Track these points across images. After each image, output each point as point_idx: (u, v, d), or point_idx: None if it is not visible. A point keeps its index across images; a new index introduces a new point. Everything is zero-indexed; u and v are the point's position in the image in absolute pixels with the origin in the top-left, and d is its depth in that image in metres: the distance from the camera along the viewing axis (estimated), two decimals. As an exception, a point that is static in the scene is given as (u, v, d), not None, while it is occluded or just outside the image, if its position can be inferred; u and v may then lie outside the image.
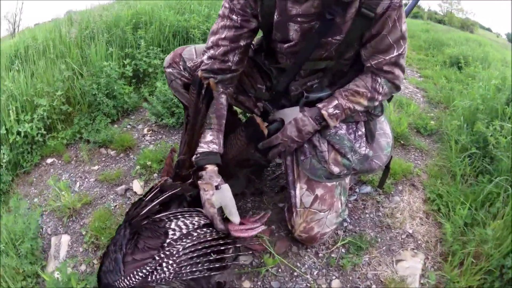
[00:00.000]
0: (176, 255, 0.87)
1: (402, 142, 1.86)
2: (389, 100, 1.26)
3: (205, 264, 0.89)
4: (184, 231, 0.93)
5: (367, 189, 1.49)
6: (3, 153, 1.76)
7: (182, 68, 1.27)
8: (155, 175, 1.53)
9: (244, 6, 1.02)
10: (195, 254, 0.89)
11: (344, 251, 1.25)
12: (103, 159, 1.72)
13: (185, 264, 0.88)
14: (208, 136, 1.08)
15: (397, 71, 1.04)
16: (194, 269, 0.87)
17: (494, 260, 1.09)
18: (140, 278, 0.85)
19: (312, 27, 0.99)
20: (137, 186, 1.50)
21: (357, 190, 1.49)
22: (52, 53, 2.26)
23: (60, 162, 1.78)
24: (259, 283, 1.15)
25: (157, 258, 0.88)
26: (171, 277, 0.85)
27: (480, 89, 1.95)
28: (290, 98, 1.19)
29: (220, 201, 0.97)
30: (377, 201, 1.44)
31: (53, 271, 1.33)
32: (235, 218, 0.97)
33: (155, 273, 0.86)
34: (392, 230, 1.33)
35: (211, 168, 1.04)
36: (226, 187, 0.99)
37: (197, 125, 1.09)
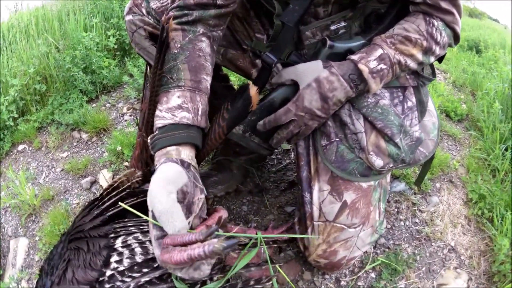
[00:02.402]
0: None
1: None
2: (440, 61, 0.79)
3: None
4: (139, 257, 0.55)
5: (401, 186, 1.09)
6: None
7: (145, 12, 0.83)
8: (126, 163, 1.19)
9: None
10: None
11: (374, 276, 0.88)
12: (75, 144, 1.39)
13: None
14: (174, 98, 0.62)
15: (457, 14, 0.67)
16: None
17: None
18: None
19: None
20: (103, 179, 1.16)
21: (388, 187, 1.09)
22: (34, 29, 1.96)
23: (30, 149, 1.47)
24: None
25: None
26: None
27: (510, 73, 1.59)
28: (304, 51, 0.77)
29: (150, 202, 0.53)
30: (412, 203, 1.06)
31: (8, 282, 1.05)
32: (166, 225, 0.52)
33: None
34: (432, 243, 0.97)
35: (181, 154, 0.59)
36: (163, 169, 0.55)
37: (152, 93, 0.66)
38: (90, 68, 1.63)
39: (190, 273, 0.50)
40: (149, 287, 0.53)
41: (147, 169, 0.75)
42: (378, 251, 0.95)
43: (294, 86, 0.70)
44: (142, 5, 0.83)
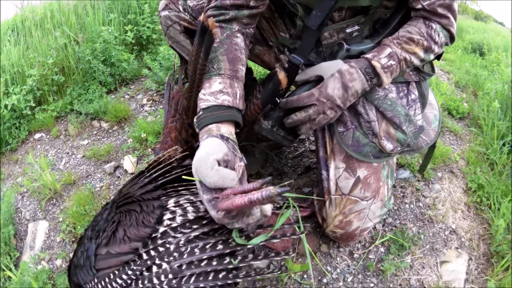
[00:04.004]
0: (175, 254, 0.53)
1: None
2: (438, 58, 0.87)
3: (220, 275, 0.53)
4: (191, 214, 0.58)
5: (406, 174, 1.18)
6: None
7: (181, 9, 0.92)
8: (150, 150, 1.20)
9: None
10: (205, 256, 0.53)
11: (383, 251, 0.96)
12: (95, 132, 1.39)
13: (188, 273, 0.53)
14: (216, 84, 0.70)
15: (452, 17, 0.77)
16: (200, 285, 0.51)
17: None
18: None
19: None
20: (129, 163, 1.16)
21: (394, 175, 1.15)
22: (49, 22, 1.97)
23: (48, 137, 1.47)
24: None
25: (143, 254, 0.54)
26: None
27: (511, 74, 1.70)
28: (322, 50, 0.84)
29: (198, 175, 0.57)
30: (416, 189, 1.15)
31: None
32: (228, 183, 0.56)
33: (141, 285, 0.52)
34: (435, 225, 1.05)
35: (220, 133, 0.64)
36: (207, 143, 0.60)
37: (195, 82, 0.73)
38: (109, 61, 1.65)
39: (245, 221, 0.55)
40: (198, 241, 0.56)
41: (187, 147, 0.78)
42: (386, 229, 1.03)
43: (317, 82, 0.76)
44: (179, 2, 0.92)
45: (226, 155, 0.59)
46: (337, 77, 0.72)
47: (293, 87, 0.85)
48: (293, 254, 0.90)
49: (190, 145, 0.79)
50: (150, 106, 1.47)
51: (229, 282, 0.53)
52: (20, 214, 1.22)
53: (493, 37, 4.24)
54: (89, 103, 1.49)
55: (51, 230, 1.08)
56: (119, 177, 1.16)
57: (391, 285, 0.90)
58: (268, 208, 0.55)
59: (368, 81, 0.73)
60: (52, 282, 0.89)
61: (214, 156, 0.57)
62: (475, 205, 1.13)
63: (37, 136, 1.50)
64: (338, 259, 0.94)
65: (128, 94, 1.57)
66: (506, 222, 1.00)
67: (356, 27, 0.81)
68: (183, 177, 0.58)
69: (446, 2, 0.74)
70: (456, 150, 1.36)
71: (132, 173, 1.15)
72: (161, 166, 0.68)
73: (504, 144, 1.28)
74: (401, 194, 1.13)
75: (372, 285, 0.89)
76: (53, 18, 2.01)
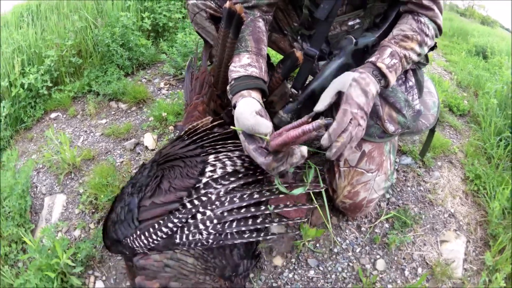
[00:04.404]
0: (217, 203, 0.56)
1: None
2: (431, 49, 0.92)
3: (258, 222, 0.58)
4: (229, 167, 0.62)
5: (408, 160, 1.27)
6: (3, 107, 1.50)
7: None
8: (171, 127, 1.21)
9: None
10: (244, 204, 0.57)
11: (388, 227, 1.05)
12: (113, 112, 1.40)
13: (230, 219, 0.57)
14: (244, 58, 0.78)
15: (436, 9, 0.83)
16: (242, 228, 0.55)
17: None
18: (162, 237, 0.52)
19: None
20: (150, 140, 1.17)
21: (397, 160, 1.27)
22: (66, 7, 1.99)
23: (65, 116, 1.48)
24: (293, 260, 0.86)
25: (187, 204, 0.56)
26: (210, 241, 0.53)
27: (510, 76, 1.76)
28: (330, 38, 0.94)
29: (240, 122, 0.64)
30: (418, 174, 1.23)
31: (39, 237, 1.03)
32: (263, 129, 0.62)
33: (186, 231, 0.54)
34: (435, 207, 1.14)
35: (248, 99, 0.70)
36: (244, 102, 0.68)
37: (224, 59, 0.80)
38: (127, 45, 1.66)
39: (289, 161, 0.61)
40: (235, 192, 0.61)
41: (217, 117, 0.80)
42: (391, 207, 1.10)
43: (329, 77, 0.81)
44: None
45: (260, 111, 0.68)
46: (355, 85, 0.73)
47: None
48: (306, 220, 0.96)
49: (220, 115, 0.82)
50: (167, 90, 1.48)
51: (266, 225, 0.58)
52: (35, 189, 1.22)
53: (498, 42, 4.30)
54: (107, 85, 1.50)
55: (69, 203, 1.08)
56: (139, 153, 1.16)
57: (396, 258, 0.96)
58: (304, 149, 0.61)
59: (378, 83, 0.76)
60: (69, 250, 0.88)
61: (253, 108, 0.66)
62: (473, 193, 1.20)
63: (53, 115, 1.51)
64: (347, 231, 1.01)
65: (145, 78, 1.58)
66: (501, 206, 1.08)
67: (358, 20, 0.91)
68: (231, 127, 0.62)
69: None
70: (455, 143, 1.44)
71: (153, 150, 1.16)
72: (198, 131, 0.70)
73: (501, 140, 1.35)
74: (404, 178, 1.21)
75: (378, 256, 0.96)
76: (70, 3, 2.03)
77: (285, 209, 0.66)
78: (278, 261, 0.88)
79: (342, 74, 0.77)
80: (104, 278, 0.84)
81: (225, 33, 0.79)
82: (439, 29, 0.86)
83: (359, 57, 0.84)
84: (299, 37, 1.02)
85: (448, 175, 1.26)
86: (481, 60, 3.22)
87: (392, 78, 0.77)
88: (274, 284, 0.84)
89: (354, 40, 0.82)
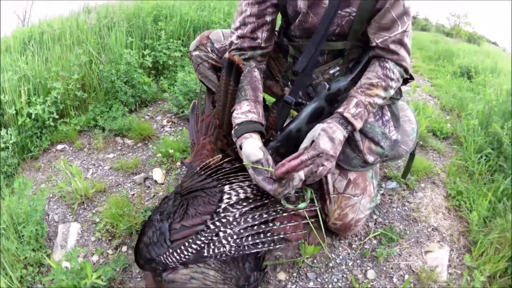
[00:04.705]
0: (234, 223, 0.81)
1: (421, 143, 1.92)
2: (405, 83, 1.18)
3: (268, 235, 0.83)
4: (241, 194, 0.88)
5: (393, 184, 1.56)
6: (10, 134, 1.70)
7: (209, 50, 1.26)
8: (178, 164, 1.47)
9: None
10: (256, 222, 0.82)
11: (376, 243, 1.29)
12: (119, 147, 1.65)
13: (246, 234, 0.82)
14: (245, 106, 1.02)
15: (403, 52, 1.03)
16: (257, 241, 0.81)
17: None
18: (193, 252, 0.78)
19: (321, 0, 1.01)
20: (158, 175, 1.42)
21: (383, 185, 1.55)
22: (69, 39, 2.25)
23: (71, 148, 1.71)
24: (294, 274, 1.10)
25: (210, 225, 0.81)
26: (232, 252, 0.78)
27: (492, 94, 2.05)
28: (311, 88, 1.19)
29: (248, 159, 0.89)
30: (402, 196, 1.51)
31: (60, 260, 1.25)
32: (257, 156, 0.88)
33: (212, 246, 0.79)
34: (419, 224, 1.40)
35: (251, 139, 0.94)
36: (248, 142, 0.92)
37: (227, 102, 1.06)
38: (130, 83, 1.94)
39: (291, 185, 0.85)
40: (247, 213, 0.87)
41: (224, 155, 1.08)
42: (378, 226, 1.35)
43: (304, 119, 1.03)
44: (208, 45, 1.28)
45: (261, 147, 0.91)
46: (323, 134, 0.95)
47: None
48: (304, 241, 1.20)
49: (226, 152, 1.10)
50: (170, 127, 1.76)
51: (275, 238, 0.85)
52: (47, 217, 1.43)
53: (483, 59, 4.75)
54: (112, 120, 1.75)
55: (84, 231, 1.30)
56: (149, 186, 1.40)
57: (384, 268, 1.20)
58: (302, 173, 0.86)
59: (344, 130, 0.98)
60: (95, 273, 1.11)
61: (256, 146, 0.90)
62: (455, 208, 1.47)
63: (59, 147, 1.73)
64: (340, 249, 1.25)
65: (148, 115, 1.85)
66: (480, 216, 1.31)
67: (337, 68, 1.13)
68: (244, 163, 0.89)
69: (397, 38, 1.00)
70: (438, 165, 1.73)
71: (162, 183, 1.40)
72: (209, 168, 0.97)
73: (481, 157, 1.61)
74: (389, 200, 1.49)
75: (368, 268, 1.19)
76: (73, 35, 2.30)
77: (287, 227, 0.90)
78: (281, 275, 1.11)
79: (315, 126, 0.99)
80: None
81: (227, 81, 1.04)
82: (405, 70, 1.06)
83: (332, 100, 1.05)
84: (289, 83, 1.26)
85: (431, 195, 1.54)
86: (466, 81, 3.54)
87: (358, 124, 0.99)
88: None
89: (327, 86, 1.03)
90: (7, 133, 1.68)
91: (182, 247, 0.81)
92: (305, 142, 0.99)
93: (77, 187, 1.37)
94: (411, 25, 1.03)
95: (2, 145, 1.68)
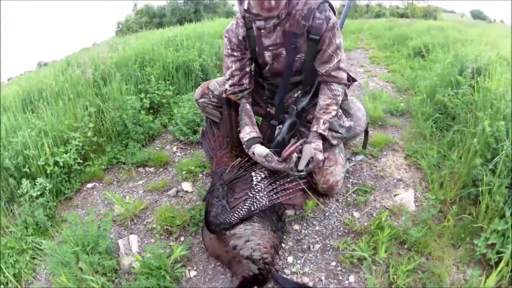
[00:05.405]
0: (263, 190, 1.55)
1: (380, 123, 2.75)
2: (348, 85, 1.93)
3: (283, 192, 1.56)
4: (262, 175, 1.60)
5: (361, 157, 2.33)
6: (42, 181, 2.32)
7: (211, 97, 2.02)
8: (200, 175, 2.25)
9: (239, 44, 1.76)
10: (274, 187, 1.55)
11: (355, 196, 1.96)
12: (144, 175, 2.33)
13: (271, 193, 1.53)
14: (247, 128, 1.76)
15: (341, 74, 1.75)
16: (279, 195, 1.53)
17: (464, 177, 1.77)
18: (246, 210, 1.54)
19: (280, 53, 1.72)
20: (187, 186, 2.06)
21: (353, 159, 2.32)
22: (70, 93, 2.93)
23: (101, 185, 2.38)
24: (304, 224, 1.79)
25: (250, 195, 1.56)
26: (267, 203, 1.51)
27: (438, 69, 2.86)
28: (286, 108, 1.87)
29: (260, 154, 1.62)
30: (369, 164, 2.26)
31: (130, 264, 1.92)
32: (264, 153, 1.62)
33: (255, 204, 1.47)
34: (385, 179, 2.11)
35: (258, 146, 1.66)
36: (257, 148, 1.65)
37: (233, 125, 1.84)
38: (138, 123, 2.70)
39: (292, 161, 1.60)
40: (269, 186, 1.55)
41: (242, 159, 1.84)
42: (355, 186, 2.03)
43: (285, 131, 1.80)
44: (209, 94, 2.03)
45: (265, 148, 1.62)
46: (317, 152, 1.67)
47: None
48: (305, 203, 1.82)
49: (242, 157, 1.80)
50: (180, 152, 2.51)
51: (291, 196, 1.55)
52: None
53: (435, 36, 5.54)
54: (132, 156, 2.47)
55: (143, 239, 1.95)
56: (182, 196, 2.02)
57: (365, 210, 1.83)
58: (295, 155, 1.60)
59: (321, 140, 1.72)
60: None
61: (263, 150, 1.61)
62: (414, 163, 2.17)
63: (89, 185, 2.38)
64: (330, 204, 1.90)
65: (158, 147, 2.58)
66: (430, 162, 2.02)
67: (299, 92, 1.85)
68: (258, 160, 1.63)
69: (335, 66, 1.70)
70: (397, 136, 2.48)
71: (191, 192, 2.08)
72: (236, 165, 1.71)
73: (433, 121, 2.37)
74: (360, 168, 2.21)
75: (353, 211, 1.84)
76: (73, 89, 3.01)
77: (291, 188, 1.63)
78: (296, 226, 1.75)
79: (307, 146, 1.63)
80: (195, 268, 1.62)
81: (229, 112, 1.80)
82: (345, 84, 1.78)
83: (300, 115, 1.79)
84: (269, 105, 1.98)
85: (392, 158, 2.27)
86: (419, 60, 4.30)
87: (328, 134, 1.74)
88: (298, 238, 1.69)
89: (295, 108, 1.78)
90: (39, 183, 2.32)
91: (238, 209, 1.53)
92: (305, 159, 1.63)
93: (128, 207, 2.08)
94: (342, 47, 1.74)
95: (38, 192, 2.34)
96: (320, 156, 1.66)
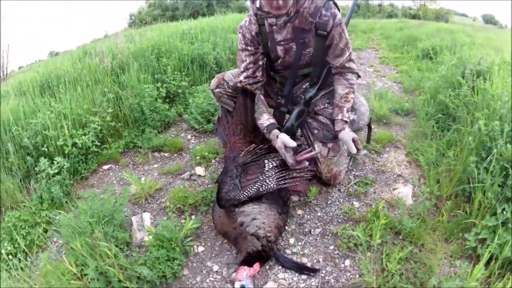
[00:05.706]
0: (273, 176, 1.70)
1: (384, 121, 2.92)
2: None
3: (290, 179, 1.72)
4: (274, 163, 1.76)
5: (364, 151, 2.45)
6: (60, 160, 2.47)
7: (226, 87, 2.19)
8: (213, 161, 2.41)
9: (252, 39, 1.92)
10: (283, 175, 1.71)
11: (356, 187, 2.12)
12: (159, 160, 2.50)
13: (279, 179, 1.69)
14: (265, 115, 1.94)
15: (353, 65, 1.95)
16: (286, 181, 1.69)
17: (459, 174, 1.92)
18: (255, 190, 1.69)
19: (291, 47, 1.88)
20: (200, 170, 2.24)
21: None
22: (88, 80, 3.12)
23: (117, 167, 2.55)
24: (307, 209, 1.96)
25: (261, 178, 1.73)
26: (274, 187, 1.67)
27: (443, 71, 3.02)
28: (294, 98, 2.06)
29: (281, 142, 1.74)
30: (372, 158, 2.42)
31: (142, 238, 2.09)
32: (292, 144, 1.72)
33: (264, 186, 1.64)
34: (386, 173, 2.27)
35: (276, 132, 1.83)
36: (283, 135, 1.76)
37: (248, 113, 2.01)
38: (155, 111, 2.86)
39: (301, 166, 1.79)
40: (279, 173, 1.73)
41: (256, 146, 2.01)
42: (356, 178, 2.18)
43: (294, 119, 2.00)
44: (225, 84, 2.21)
45: (291, 139, 1.74)
46: (351, 138, 1.84)
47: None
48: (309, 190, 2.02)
49: (254, 144, 1.97)
50: (194, 140, 2.68)
51: (297, 183, 1.73)
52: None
53: (444, 38, 5.65)
54: (148, 141, 2.64)
55: (155, 216, 2.12)
56: (195, 180, 2.19)
57: (365, 200, 1.99)
58: (307, 162, 1.79)
59: (348, 126, 1.91)
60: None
61: (289, 138, 1.75)
62: (414, 161, 2.32)
63: (105, 167, 2.54)
64: (333, 193, 2.06)
65: (173, 134, 2.76)
66: (428, 159, 2.16)
67: (307, 83, 2.03)
68: (277, 145, 1.79)
69: (348, 59, 1.91)
70: (400, 134, 2.64)
71: (204, 176, 2.24)
72: (251, 150, 1.88)
73: (435, 121, 2.50)
74: (363, 162, 2.35)
75: (354, 201, 1.99)
76: (91, 75, 3.19)
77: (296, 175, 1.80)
78: (299, 211, 1.92)
79: (343, 133, 1.89)
80: (203, 244, 1.79)
81: (244, 100, 1.97)
82: (357, 75, 1.97)
83: (307, 104, 1.97)
84: (280, 97, 2.17)
85: (394, 154, 2.41)
86: (427, 62, 4.42)
87: (350, 119, 1.93)
88: (300, 222, 1.86)
89: (303, 97, 1.96)
90: (57, 162, 2.48)
91: (248, 188, 1.69)
92: (349, 143, 1.85)
93: (143, 186, 2.24)
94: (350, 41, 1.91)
95: (56, 170, 2.50)
96: (356, 136, 1.86)
